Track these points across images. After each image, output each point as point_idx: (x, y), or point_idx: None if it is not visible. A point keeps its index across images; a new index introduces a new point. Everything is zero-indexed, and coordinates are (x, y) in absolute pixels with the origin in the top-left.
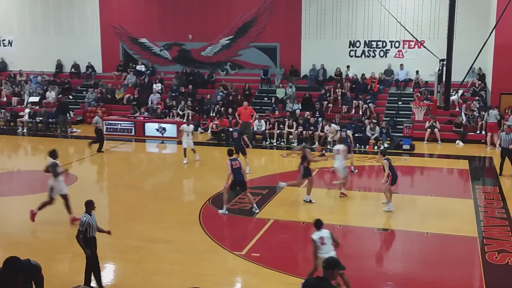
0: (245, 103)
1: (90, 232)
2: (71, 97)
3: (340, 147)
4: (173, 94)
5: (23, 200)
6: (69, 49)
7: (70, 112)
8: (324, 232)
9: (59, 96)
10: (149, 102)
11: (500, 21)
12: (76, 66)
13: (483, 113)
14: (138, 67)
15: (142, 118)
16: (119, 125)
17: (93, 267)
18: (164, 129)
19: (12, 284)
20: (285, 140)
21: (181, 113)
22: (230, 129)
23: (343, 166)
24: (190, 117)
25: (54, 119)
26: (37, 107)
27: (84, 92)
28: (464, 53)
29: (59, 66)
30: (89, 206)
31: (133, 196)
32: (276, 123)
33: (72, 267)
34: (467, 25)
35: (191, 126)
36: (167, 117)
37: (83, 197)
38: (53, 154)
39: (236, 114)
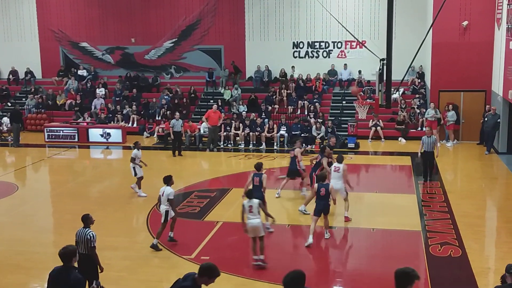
0: (214, 106)
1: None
2: (9, 104)
3: (340, 165)
4: (117, 99)
5: None
6: (6, 54)
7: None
8: (254, 202)
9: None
10: (93, 107)
11: (436, 21)
12: (14, 72)
13: (424, 110)
14: (79, 72)
15: (85, 123)
16: (61, 131)
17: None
18: (109, 134)
19: None
20: (232, 142)
21: (125, 113)
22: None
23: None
24: (135, 122)
25: None
26: None
27: (24, 99)
28: (403, 52)
29: None
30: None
31: (78, 204)
32: (222, 125)
33: (15, 279)
34: (406, 25)
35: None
36: (112, 122)
37: (24, 207)
38: None
39: (204, 117)
